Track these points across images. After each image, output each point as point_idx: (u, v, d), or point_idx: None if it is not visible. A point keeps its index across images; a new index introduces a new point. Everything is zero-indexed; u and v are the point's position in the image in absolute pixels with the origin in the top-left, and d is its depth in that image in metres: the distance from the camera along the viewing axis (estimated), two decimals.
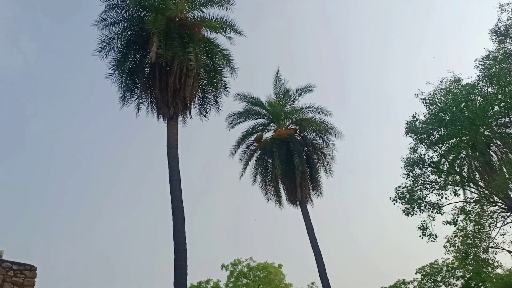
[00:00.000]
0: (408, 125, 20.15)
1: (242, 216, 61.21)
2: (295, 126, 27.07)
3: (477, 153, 21.07)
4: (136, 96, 19.80)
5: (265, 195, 26.55)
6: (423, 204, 19.76)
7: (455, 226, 20.29)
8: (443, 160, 21.09)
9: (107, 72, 19.31)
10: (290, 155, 24.77)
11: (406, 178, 20.28)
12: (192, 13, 20.03)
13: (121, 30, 19.22)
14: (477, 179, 22.08)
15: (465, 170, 23.00)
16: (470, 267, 25.67)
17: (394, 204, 19.97)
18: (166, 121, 18.83)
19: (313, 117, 26.59)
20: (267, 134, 26.98)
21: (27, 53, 57.29)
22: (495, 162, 22.44)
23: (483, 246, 22.09)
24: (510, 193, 19.87)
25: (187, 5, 19.54)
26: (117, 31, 19.15)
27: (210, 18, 19.79)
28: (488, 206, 20.96)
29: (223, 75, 20.50)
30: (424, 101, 20.20)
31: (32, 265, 10.40)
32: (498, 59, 19.26)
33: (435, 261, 34.85)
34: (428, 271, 34.59)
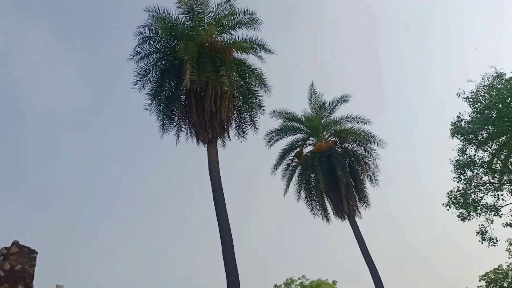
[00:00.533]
0: (453, 126, 19.42)
1: (288, 234, 60.50)
2: (334, 138, 26.66)
3: None
4: (174, 123, 20.32)
5: (311, 210, 26.15)
6: (479, 207, 18.83)
7: None
8: (495, 159, 20.08)
9: (145, 103, 19.93)
10: (332, 168, 24.32)
11: (458, 182, 19.45)
12: (221, 36, 20.37)
13: (155, 60, 19.81)
14: None
15: None
16: None
17: (448, 210, 19.11)
18: (206, 145, 19.05)
19: (352, 127, 26.11)
20: (307, 149, 26.69)
21: (69, 87, 59.95)
22: None
23: None
24: None
25: (216, 30, 19.88)
26: (151, 62, 19.76)
27: (240, 40, 20.04)
28: None
29: (257, 94, 20.68)
30: (467, 100, 19.44)
31: None
32: None
33: (499, 266, 32.81)
34: (493, 277, 32.59)
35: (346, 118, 26.38)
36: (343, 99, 26.70)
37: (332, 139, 26.54)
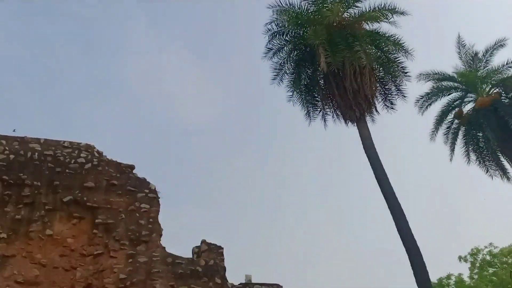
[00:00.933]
0: None
1: (455, 202, 55.57)
2: (497, 89, 23.58)
3: None
4: (319, 109, 20.47)
5: (486, 172, 23.59)
6: None
7: None
8: None
9: (286, 95, 20.50)
10: (502, 121, 21.49)
11: None
12: (347, 12, 19.76)
13: (288, 52, 20.15)
14: None
15: None
16: None
17: None
18: (355, 124, 18.67)
19: None
20: (467, 107, 24.13)
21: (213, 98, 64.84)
22: None
23: None
24: None
25: (341, 7, 19.37)
26: (284, 55, 20.17)
27: (368, 10, 19.20)
28: None
29: (398, 61, 19.62)
30: None
31: (278, 284, 11.52)
32: None
33: None
34: None
35: (507, 64, 23.16)
36: (499, 45, 23.48)
37: (494, 91, 23.55)
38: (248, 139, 66.40)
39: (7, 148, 10.51)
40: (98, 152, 11.21)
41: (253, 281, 11.78)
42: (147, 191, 10.99)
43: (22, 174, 10.30)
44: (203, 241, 11.09)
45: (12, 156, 10.42)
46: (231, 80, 66.05)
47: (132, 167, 11.25)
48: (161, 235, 10.66)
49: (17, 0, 57.78)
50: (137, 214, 10.64)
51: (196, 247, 11.51)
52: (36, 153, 10.62)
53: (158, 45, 64.81)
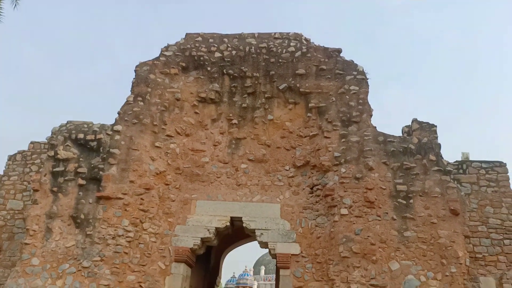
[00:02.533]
0: None
1: None
2: None
3: None
4: None
5: None
6: None
7: None
8: None
9: None
10: None
11: None
12: None
13: None
14: None
15: None
16: None
17: None
18: None
19: None
20: None
21: None
22: None
23: None
24: None
25: None
26: None
27: None
28: None
29: None
30: None
31: (501, 161, 11.01)
32: None
33: None
34: None
35: None
36: None
37: None
38: None
39: (229, 45, 11.95)
40: (306, 39, 11.72)
41: (470, 159, 11.27)
42: (355, 73, 11.16)
43: (243, 67, 11.67)
44: (414, 120, 10.91)
45: (234, 52, 11.83)
46: None
47: (339, 51, 11.46)
48: (371, 115, 10.87)
49: None
50: (347, 97, 11.01)
51: (406, 126, 11.43)
52: (253, 47, 11.79)
53: None
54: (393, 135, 10.63)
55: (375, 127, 10.75)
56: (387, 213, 9.84)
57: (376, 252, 9.45)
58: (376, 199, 9.90)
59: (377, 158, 10.33)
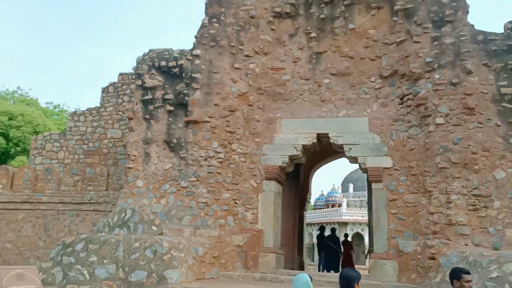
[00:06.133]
0: None
1: None
2: None
3: None
4: None
5: None
6: None
7: None
8: None
9: None
10: None
11: None
12: None
13: None
14: None
15: None
16: None
17: None
18: None
19: None
20: None
21: None
22: None
23: None
24: None
25: None
26: None
27: None
28: None
29: None
30: None
31: None
32: None
33: None
34: None
35: None
36: None
37: None
38: None
39: None
40: None
41: None
42: None
43: None
44: None
45: None
46: None
47: None
48: (467, 12, 9.71)
49: None
50: None
51: (509, 22, 10.05)
52: None
53: None
54: (494, 33, 9.48)
55: (473, 25, 9.62)
56: (490, 119, 9.06)
57: (478, 161, 8.88)
58: (476, 105, 9.11)
59: (476, 59, 9.36)
